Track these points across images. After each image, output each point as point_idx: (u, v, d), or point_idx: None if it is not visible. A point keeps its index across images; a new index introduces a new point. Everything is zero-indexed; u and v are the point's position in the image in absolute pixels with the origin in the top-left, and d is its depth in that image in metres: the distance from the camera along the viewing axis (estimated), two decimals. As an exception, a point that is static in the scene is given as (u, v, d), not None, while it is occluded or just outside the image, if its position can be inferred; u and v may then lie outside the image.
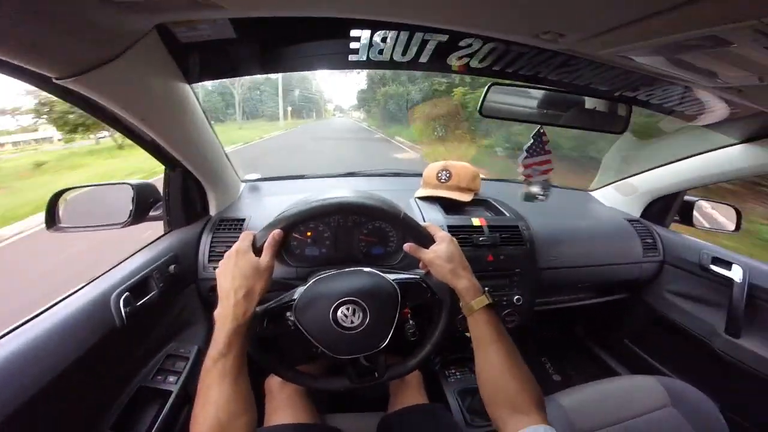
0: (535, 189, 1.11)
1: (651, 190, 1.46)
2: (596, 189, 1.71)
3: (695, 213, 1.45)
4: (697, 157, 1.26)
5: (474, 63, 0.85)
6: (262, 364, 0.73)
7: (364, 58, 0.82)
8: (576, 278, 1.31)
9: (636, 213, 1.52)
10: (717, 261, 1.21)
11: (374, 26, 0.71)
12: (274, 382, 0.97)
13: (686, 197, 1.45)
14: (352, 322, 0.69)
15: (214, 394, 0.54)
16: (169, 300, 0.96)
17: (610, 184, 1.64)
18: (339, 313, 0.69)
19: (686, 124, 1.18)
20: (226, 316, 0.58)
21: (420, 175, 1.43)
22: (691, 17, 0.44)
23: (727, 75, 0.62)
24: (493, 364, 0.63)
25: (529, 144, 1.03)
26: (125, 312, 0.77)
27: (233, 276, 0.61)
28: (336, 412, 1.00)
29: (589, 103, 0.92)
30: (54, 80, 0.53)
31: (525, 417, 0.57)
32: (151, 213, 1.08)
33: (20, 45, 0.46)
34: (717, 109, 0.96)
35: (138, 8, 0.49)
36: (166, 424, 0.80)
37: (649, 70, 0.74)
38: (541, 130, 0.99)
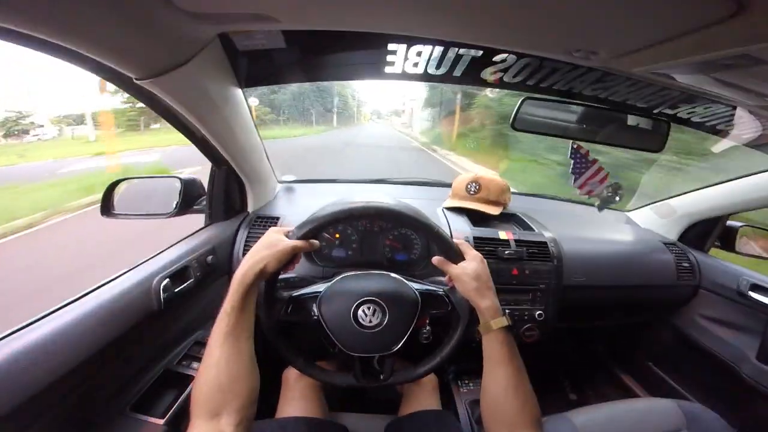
0: (604, 195, 1.13)
1: (690, 213, 1.40)
2: (633, 210, 1.66)
3: (738, 239, 1.37)
4: (742, 179, 1.20)
5: (508, 78, 0.87)
6: (273, 344, 0.75)
7: (399, 71, 0.87)
8: (603, 298, 1.28)
9: (673, 236, 1.46)
10: (756, 287, 1.20)
11: (410, 41, 0.75)
12: (291, 374, 1.01)
13: (729, 222, 1.38)
14: (370, 321, 0.72)
15: (216, 354, 0.57)
16: (204, 289, 1.01)
17: (647, 205, 1.58)
18: (360, 311, 0.72)
19: (732, 143, 1.13)
20: (235, 278, 0.63)
21: (448, 185, 1.45)
22: (721, 37, 0.44)
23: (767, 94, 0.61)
24: (500, 383, 0.65)
25: (571, 166, 1.03)
26: (163, 297, 0.81)
27: (256, 248, 0.66)
28: (348, 411, 1.02)
29: (626, 119, 0.90)
30: (135, 80, 0.61)
31: None
32: (195, 206, 1.16)
33: (108, 46, 0.53)
34: (763, 128, 0.93)
35: (204, 18, 0.55)
36: (183, 407, 0.83)
37: (687, 88, 0.73)
38: (575, 146, 0.99)
